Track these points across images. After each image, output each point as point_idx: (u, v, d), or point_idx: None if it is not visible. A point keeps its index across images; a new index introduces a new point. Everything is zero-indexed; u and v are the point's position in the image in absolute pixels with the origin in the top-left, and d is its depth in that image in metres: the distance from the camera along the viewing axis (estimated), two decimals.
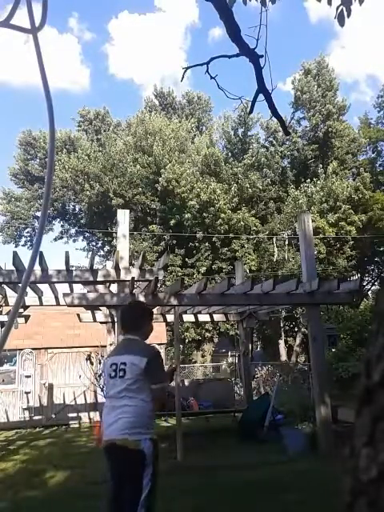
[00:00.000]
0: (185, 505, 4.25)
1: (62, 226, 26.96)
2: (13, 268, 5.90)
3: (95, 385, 9.41)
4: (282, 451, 6.33)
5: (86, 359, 9.29)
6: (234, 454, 6.47)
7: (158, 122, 22.37)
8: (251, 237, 19.87)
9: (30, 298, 7.78)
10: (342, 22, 2.96)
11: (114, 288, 6.76)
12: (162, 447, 3.75)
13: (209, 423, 9.25)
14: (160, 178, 20.45)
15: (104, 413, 2.76)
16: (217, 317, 9.61)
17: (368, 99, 42.69)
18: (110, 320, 9.15)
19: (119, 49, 46.44)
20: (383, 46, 41.60)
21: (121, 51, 46.18)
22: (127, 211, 6.87)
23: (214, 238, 19.43)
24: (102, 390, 8.82)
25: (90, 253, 19.85)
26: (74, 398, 11.17)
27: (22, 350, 11.01)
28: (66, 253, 6.07)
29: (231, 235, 19.49)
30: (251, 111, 3.17)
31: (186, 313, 8.82)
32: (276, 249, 19.27)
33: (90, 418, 10.88)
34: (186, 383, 10.81)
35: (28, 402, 10.86)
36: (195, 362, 20.93)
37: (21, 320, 8.67)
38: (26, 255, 21.67)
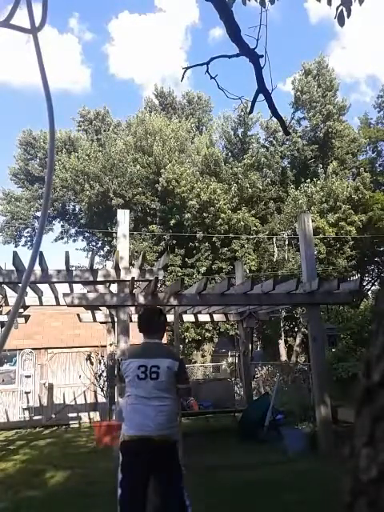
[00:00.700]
0: None
1: (62, 226, 26.92)
2: (13, 268, 5.91)
3: (95, 385, 9.41)
4: (282, 451, 6.33)
5: (86, 359, 9.29)
6: (234, 454, 6.46)
7: (158, 122, 22.35)
8: (251, 237, 19.85)
9: (30, 298, 7.79)
10: (341, 23, 2.96)
11: (113, 288, 6.76)
12: None
13: (209, 423, 9.25)
14: (160, 178, 20.43)
15: (128, 410, 2.95)
16: (217, 317, 9.62)
17: (368, 99, 42.75)
18: (109, 320, 9.16)
19: (119, 49, 46.46)
20: (383, 46, 41.63)
21: (121, 51, 46.17)
22: (127, 211, 6.87)
23: (213, 238, 19.40)
24: (102, 390, 8.85)
25: (90, 253, 19.85)
26: (74, 398, 11.18)
27: (21, 350, 11.02)
28: (66, 253, 6.08)
29: (231, 235, 19.47)
30: (251, 111, 3.17)
31: (185, 313, 8.82)
32: (276, 249, 19.26)
33: (89, 418, 10.88)
34: None
35: (28, 402, 10.87)
36: (195, 362, 20.91)
37: (21, 320, 8.67)
38: (26, 255, 21.69)
